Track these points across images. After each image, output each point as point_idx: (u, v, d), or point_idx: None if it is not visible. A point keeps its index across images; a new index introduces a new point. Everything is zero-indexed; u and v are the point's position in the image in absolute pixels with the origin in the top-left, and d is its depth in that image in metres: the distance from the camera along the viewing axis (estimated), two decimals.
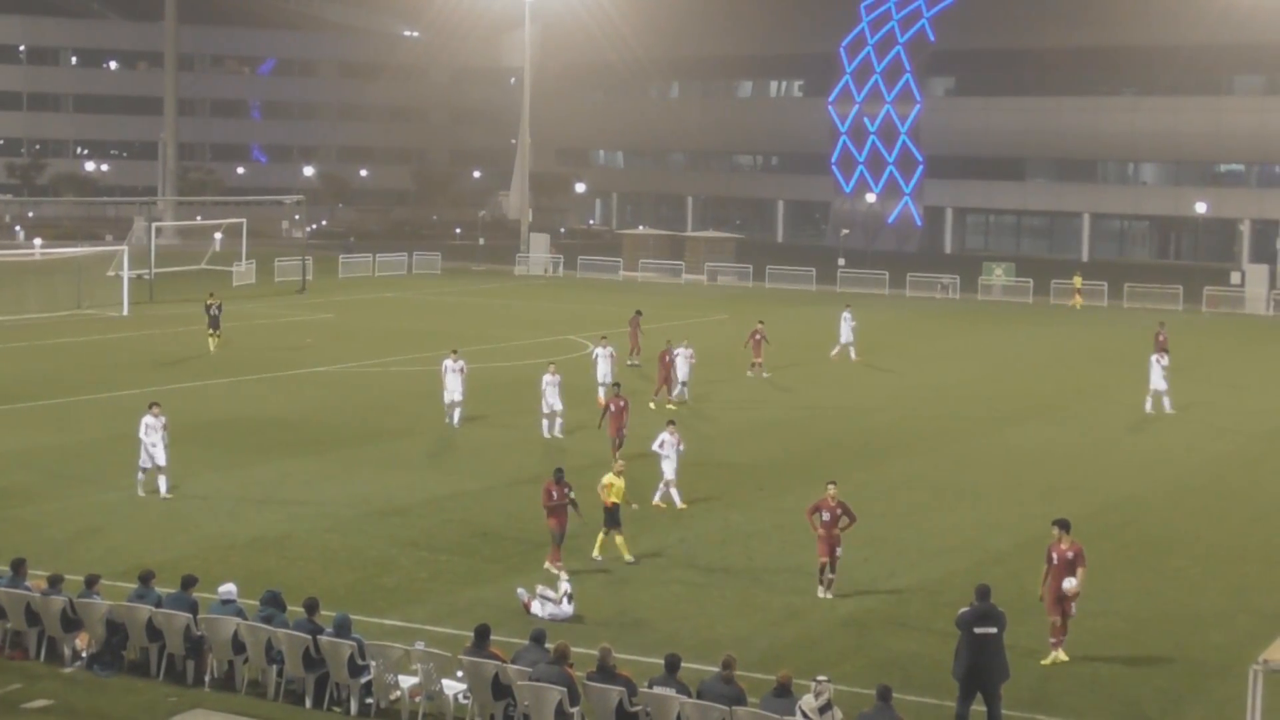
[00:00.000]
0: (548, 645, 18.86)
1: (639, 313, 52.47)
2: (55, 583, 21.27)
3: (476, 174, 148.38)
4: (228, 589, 20.81)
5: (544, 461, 34.79)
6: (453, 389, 39.35)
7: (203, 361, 50.16)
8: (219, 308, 53.10)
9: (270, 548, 26.80)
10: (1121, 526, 29.66)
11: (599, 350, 42.49)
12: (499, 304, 70.81)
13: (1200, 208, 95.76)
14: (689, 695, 17.75)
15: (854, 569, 25.95)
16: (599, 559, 26.35)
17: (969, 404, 45.09)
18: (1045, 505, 31.35)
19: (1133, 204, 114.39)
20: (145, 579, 21.27)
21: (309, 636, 19.59)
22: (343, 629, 19.70)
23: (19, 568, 21.77)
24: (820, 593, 24.36)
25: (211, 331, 52.77)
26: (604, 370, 41.51)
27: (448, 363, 39.79)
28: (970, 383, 49.26)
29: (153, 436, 30.37)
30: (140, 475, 30.56)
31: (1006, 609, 19.58)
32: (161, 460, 30.42)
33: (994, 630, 18.77)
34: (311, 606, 20.16)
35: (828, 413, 42.41)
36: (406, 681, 19.50)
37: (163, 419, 30.53)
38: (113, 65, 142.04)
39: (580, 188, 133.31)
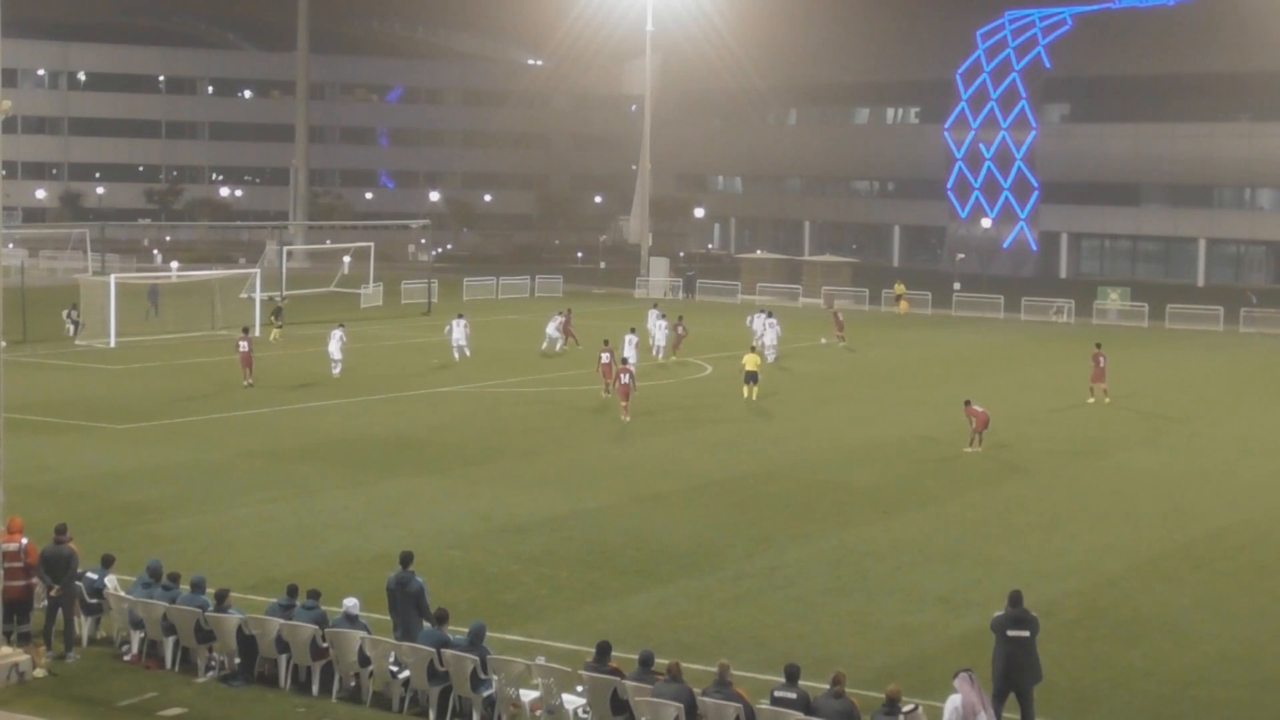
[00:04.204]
0: (655, 669, 19.10)
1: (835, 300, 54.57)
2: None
3: (598, 199, 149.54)
4: (352, 603, 21.11)
5: (663, 479, 35.38)
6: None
7: (331, 382, 51.17)
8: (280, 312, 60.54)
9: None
10: (1237, 550, 29.50)
11: (626, 338, 52.53)
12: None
13: None
14: (808, 706, 17.99)
15: (968, 589, 26.15)
16: None
17: (1083, 427, 44.81)
18: (1160, 528, 31.35)
19: (1249, 229, 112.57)
20: (292, 592, 21.73)
21: (433, 650, 19.94)
22: (477, 636, 20.05)
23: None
24: None
25: (275, 322, 59.86)
26: (631, 354, 50.89)
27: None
28: (1085, 405, 48.92)
29: None
30: None
31: (1119, 632, 19.69)
32: None
33: (1026, 634, 19.40)
34: (442, 618, 20.56)
35: (941, 436, 42.34)
36: (528, 696, 19.83)
37: None
38: (247, 94, 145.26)
39: (699, 212, 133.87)
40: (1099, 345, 51.20)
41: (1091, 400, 49.35)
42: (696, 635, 23.32)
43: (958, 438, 40.25)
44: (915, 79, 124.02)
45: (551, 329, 61.43)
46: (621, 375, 44.36)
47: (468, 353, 57.45)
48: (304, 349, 59.11)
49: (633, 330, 55.54)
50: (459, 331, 57.62)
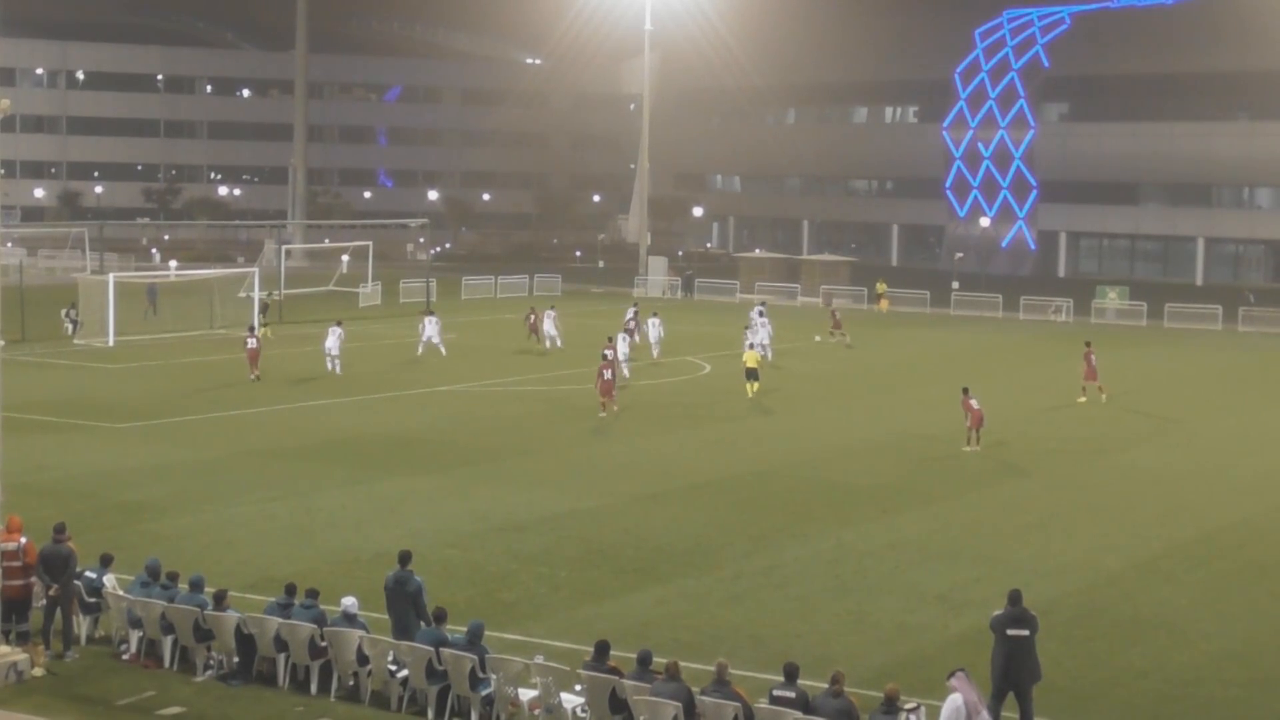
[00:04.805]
0: (654, 667, 19.15)
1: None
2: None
3: (596, 198, 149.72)
4: (350, 602, 21.16)
5: (661, 478, 35.42)
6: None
7: (329, 381, 51.23)
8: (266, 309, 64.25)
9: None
10: (1236, 549, 29.55)
11: (620, 335, 53.68)
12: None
13: None
14: (807, 705, 18.01)
15: (967, 587, 26.19)
16: None
17: (1082, 426, 44.84)
18: (1160, 527, 31.40)
19: (1248, 228, 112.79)
20: (290, 591, 21.74)
21: (432, 649, 19.97)
22: (475, 635, 20.10)
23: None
24: None
25: (262, 320, 61.89)
26: (623, 349, 51.71)
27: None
28: (1083, 405, 48.97)
29: None
30: None
31: (1118, 631, 19.71)
32: None
33: (1026, 633, 19.42)
34: (440, 617, 20.60)
35: (940, 435, 42.38)
36: (526, 695, 19.87)
37: None
38: (245, 93, 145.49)
39: (698, 211, 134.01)
40: (1089, 344, 51.30)
41: (1082, 399, 49.34)
42: (695, 634, 23.36)
43: (956, 436, 40.29)
44: (913, 78, 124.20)
45: (549, 326, 61.62)
46: (604, 371, 44.84)
47: (419, 351, 58.11)
48: (302, 348, 59.13)
49: (624, 330, 56.28)
50: (431, 328, 58.50)
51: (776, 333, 60.55)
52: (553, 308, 64.01)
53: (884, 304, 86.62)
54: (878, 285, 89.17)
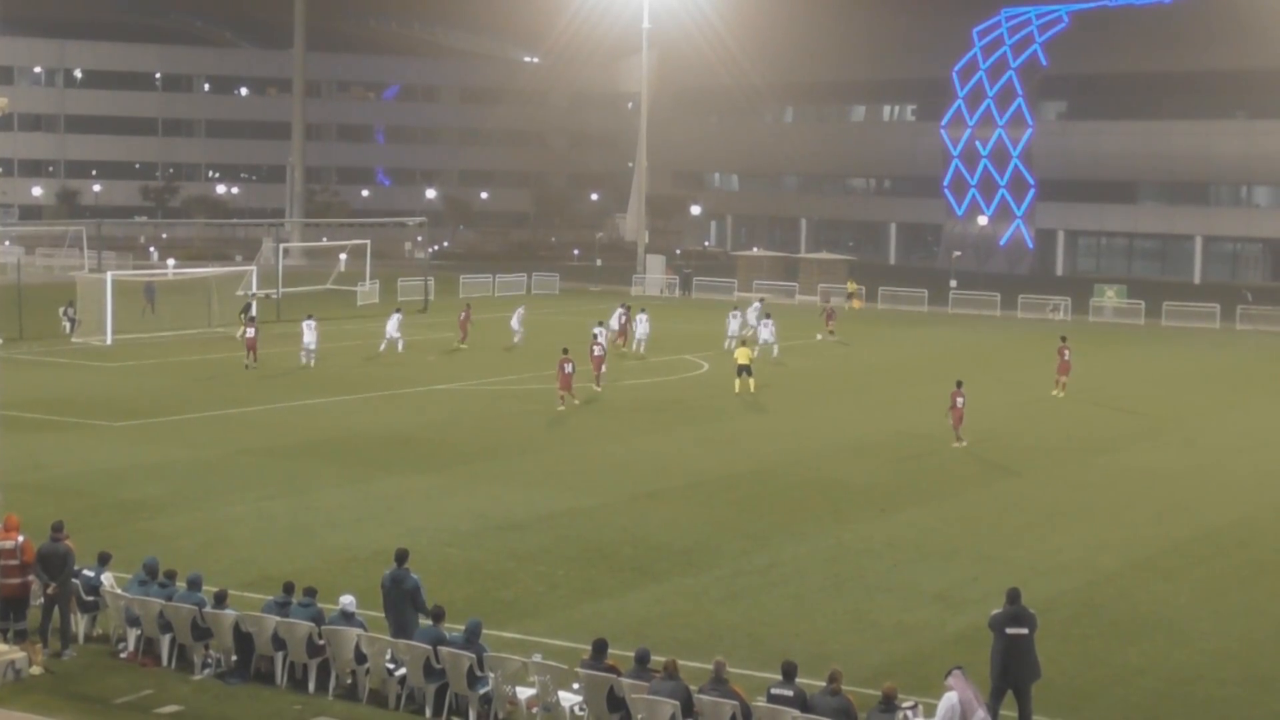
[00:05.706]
0: (652, 665, 19.16)
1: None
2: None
3: (594, 196, 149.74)
4: (348, 600, 21.14)
5: (660, 477, 35.41)
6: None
7: (327, 380, 51.30)
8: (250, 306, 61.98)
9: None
10: (1234, 547, 29.57)
11: (598, 330, 53.80)
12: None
13: None
14: (805, 703, 18.00)
15: (965, 586, 26.20)
16: None
17: (1080, 425, 44.86)
18: (1156, 526, 31.44)
19: (1245, 226, 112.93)
20: (288, 589, 21.75)
21: (430, 647, 19.98)
22: (473, 633, 20.10)
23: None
24: None
25: (243, 319, 59.43)
26: (602, 340, 51.98)
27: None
28: (1081, 404, 49.01)
29: None
30: None
31: (1116, 629, 19.71)
32: None
33: (1025, 631, 19.41)
34: (438, 615, 20.60)
35: (937, 433, 42.41)
36: (524, 693, 19.87)
37: None
38: (243, 92, 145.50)
39: (696, 210, 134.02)
40: (1064, 339, 51.61)
41: (1054, 393, 49.60)
42: (693, 633, 23.36)
43: (953, 435, 40.29)
44: (911, 76, 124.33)
45: (514, 322, 62.04)
46: (565, 365, 45.67)
47: (399, 348, 58.69)
48: (298, 346, 59.06)
49: (600, 323, 57.42)
50: (393, 324, 59.20)
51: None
52: (522, 306, 64.58)
53: (856, 303, 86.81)
54: (849, 284, 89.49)
